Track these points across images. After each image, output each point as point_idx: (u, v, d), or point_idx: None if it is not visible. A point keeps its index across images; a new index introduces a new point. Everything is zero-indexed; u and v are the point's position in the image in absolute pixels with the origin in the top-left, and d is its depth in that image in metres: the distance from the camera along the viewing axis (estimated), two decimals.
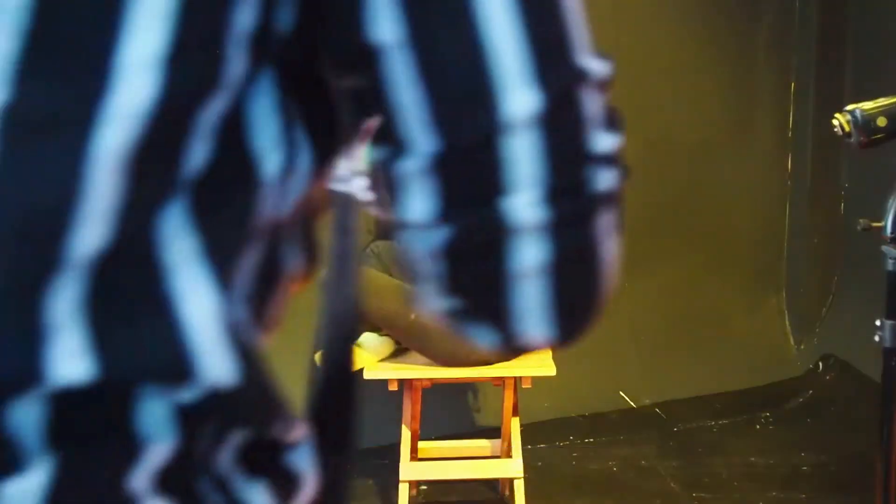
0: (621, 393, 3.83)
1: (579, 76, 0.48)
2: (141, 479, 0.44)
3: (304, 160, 0.50)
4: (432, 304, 0.52)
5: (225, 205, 0.47)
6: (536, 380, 2.61)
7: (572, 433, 3.54)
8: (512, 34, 0.46)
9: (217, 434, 0.47)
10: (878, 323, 1.59)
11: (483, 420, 3.50)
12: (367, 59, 0.47)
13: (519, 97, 0.46)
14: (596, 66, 0.49)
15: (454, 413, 3.42)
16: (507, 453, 2.75)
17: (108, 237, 0.43)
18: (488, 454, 2.87)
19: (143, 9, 0.42)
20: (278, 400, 0.50)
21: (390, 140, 0.48)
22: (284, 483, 0.50)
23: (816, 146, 4.18)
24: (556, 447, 3.44)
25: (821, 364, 4.09)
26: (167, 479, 0.45)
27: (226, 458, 0.48)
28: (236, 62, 0.45)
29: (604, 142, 0.49)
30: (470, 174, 0.47)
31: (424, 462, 2.76)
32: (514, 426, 2.70)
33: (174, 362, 0.44)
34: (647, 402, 3.85)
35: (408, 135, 0.47)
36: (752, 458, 3.35)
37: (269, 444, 0.50)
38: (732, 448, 3.45)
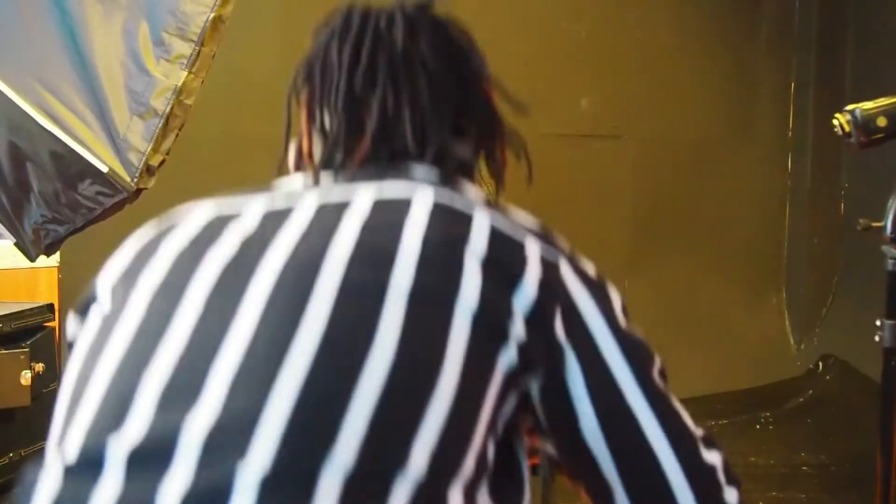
0: None
1: (711, 471, 0.78)
2: None
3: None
4: None
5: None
6: None
7: None
8: (676, 469, 0.77)
9: None
10: (878, 323, 1.59)
11: None
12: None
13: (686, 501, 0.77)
14: (714, 457, 0.79)
15: None
16: None
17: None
18: None
19: (353, 419, 0.68)
20: None
21: None
22: None
23: (816, 146, 4.19)
24: None
25: (821, 364, 4.10)
26: None
27: None
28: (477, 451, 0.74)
29: (732, 496, 0.79)
30: None
31: None
32: None
33: None
34: None
35: None
36: (752, 458, 3.35)
37: None
38: (732, 448, 3.45)
